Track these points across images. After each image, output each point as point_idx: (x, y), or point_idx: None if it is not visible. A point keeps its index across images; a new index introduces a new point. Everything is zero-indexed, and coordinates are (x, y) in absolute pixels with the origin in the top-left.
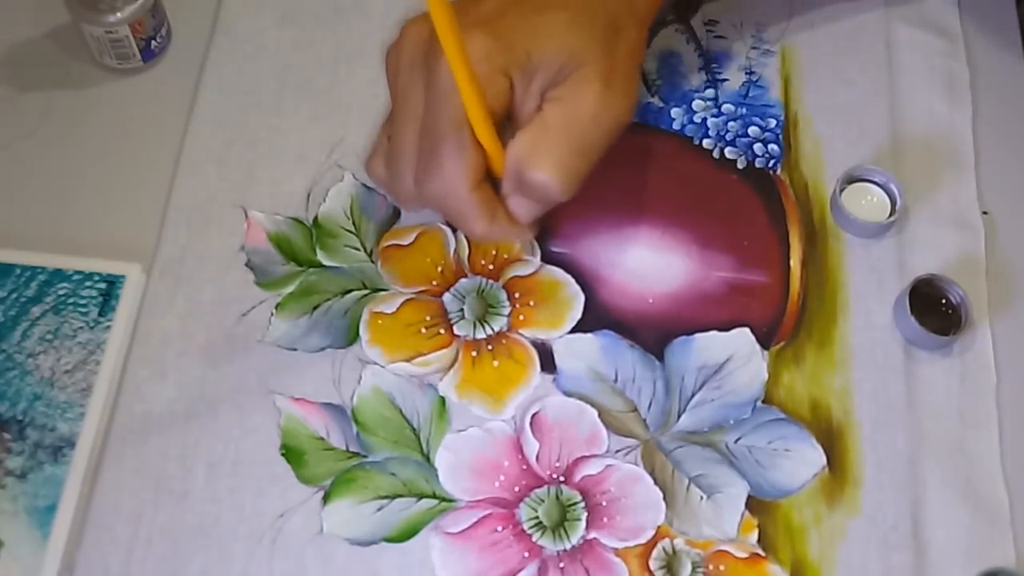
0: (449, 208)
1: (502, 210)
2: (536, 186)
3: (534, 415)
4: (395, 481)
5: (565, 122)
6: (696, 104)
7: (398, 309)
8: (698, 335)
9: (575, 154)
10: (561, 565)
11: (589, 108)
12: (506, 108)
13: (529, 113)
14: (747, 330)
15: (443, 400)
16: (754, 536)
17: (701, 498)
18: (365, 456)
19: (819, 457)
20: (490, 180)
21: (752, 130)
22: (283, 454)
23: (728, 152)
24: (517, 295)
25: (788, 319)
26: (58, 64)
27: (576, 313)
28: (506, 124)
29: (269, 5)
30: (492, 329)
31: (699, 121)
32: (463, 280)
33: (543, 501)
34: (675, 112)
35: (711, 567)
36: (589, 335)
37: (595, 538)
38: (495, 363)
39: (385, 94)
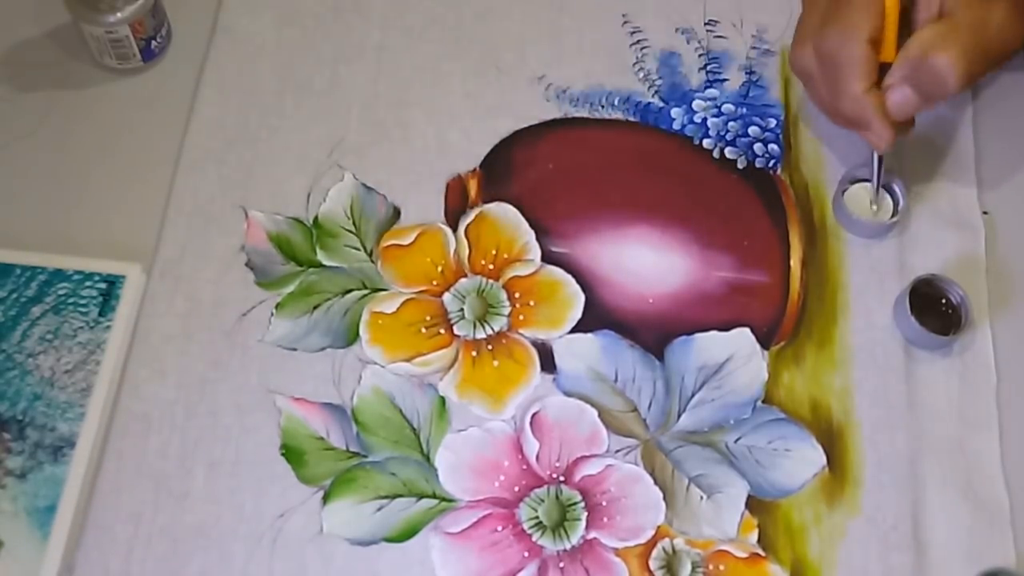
0: (839, 58)
1: (878, 93)
2: (936, 71)
3: (534, 415)
4: (395, 481)
5: (975, 23)
6: (696, 104)
7: (398, 309)
8: (698, 335)
9: (978, 53)
10: (561, 565)
11: (996, 19)
12: (906, 10)
13: (928, 19)
14: (747, 330)
15: (443, 400)
16: (754, 536)
17: (701, 498)
18: (365, 456)
19: (819, 457)
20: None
21: (752, 130)
22: (283, 454)
23: (728, 152)
24: (517, 295)
25: (788, 319)
26: (58, 64)
27: (576, 313)
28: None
29: (269, 5)
30: (492, 329)
31: (699, 121)
32: (463, 280)
33: (543, 501)
34: (675, 112)
35: (711, 567)
36: (589, 335)
37: (595, 538)
38: (495, 363)
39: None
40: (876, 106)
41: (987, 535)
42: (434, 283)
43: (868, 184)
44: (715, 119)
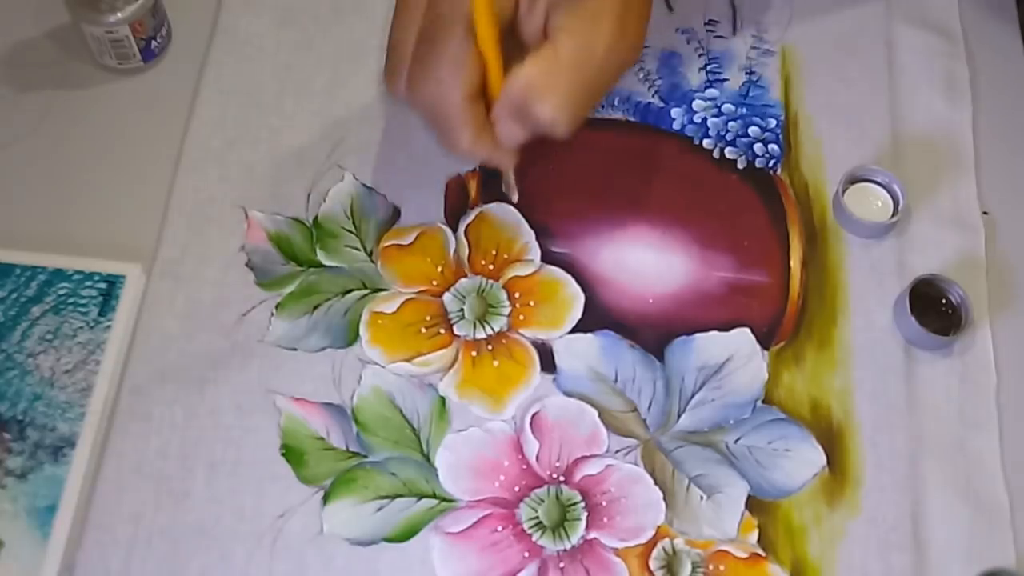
0: (438, 115)
1: (489, 131)
2: (541, 121)
3: (534, 415)
4: (395, 481)
5: (576, 59)
6: (696, 104)
7: (398, 309)
8: (698, 335)
9: (583, 94)
10: (561, 565)
11: (601, 47)
12: (509, 24)
13: (534, 30)
14: (747, 330)
15: (443, 400)
16: (754, 536)
17: (701, 498)
18: (365, 456)
19: (819, 457)
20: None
21: (752, 130)
22: (283, 454)
23: (728, 152)
24: (517, 295)
25: (788, 319)
26: (58, 64)
27: (576, 313)
28: (507, 36)
29: (269, 6)
30: (492, 329)
31: (699, 121)
32: (463, 280)
33: (543, 501)
34: (675, 112)
35: (711, 567)
36: (589, 335)
37: (595, 538)
38: (495, 363)
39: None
40: (489, 147)
41: (987, 535)
42: (434, 283)
43: (869, 184)
44: (715, 119)
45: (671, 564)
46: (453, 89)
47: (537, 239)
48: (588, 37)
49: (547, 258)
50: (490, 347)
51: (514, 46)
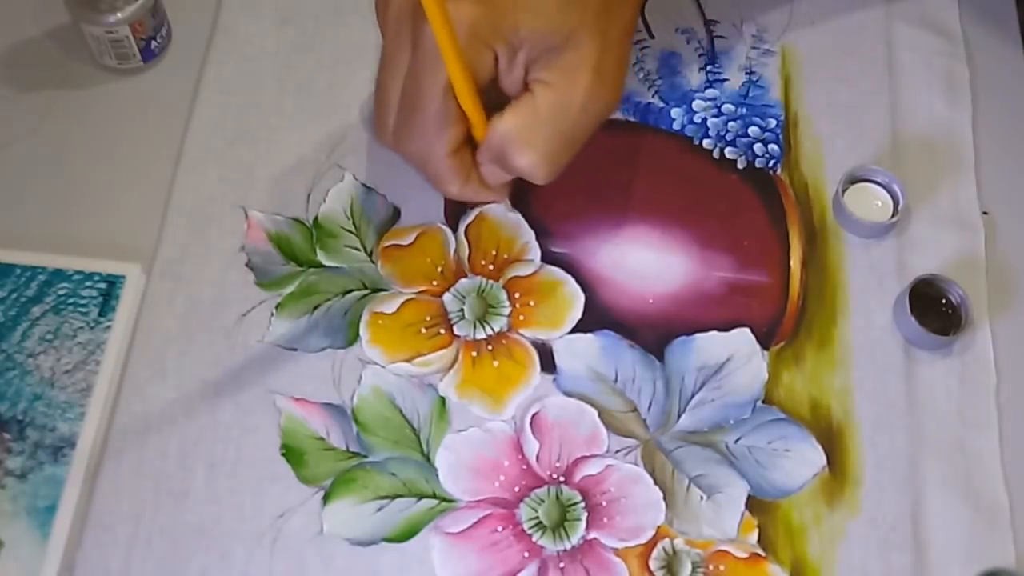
0: (426, 169)
1: (476, 174)
2: (520, 171)
3: (534, 415)
4: (395, 481)
5: (554, 111)
6: (696, 104)
7: (398, 309)
8: (698, 335)
9: (562, 144)
10: (561, 565)
11: (579, 99)
12: (489, 79)
13: (514, 84)
14: (747, 330)
15: (443, 400)
16: (754, 536)
17: (701, 498)
18: (365, 456)
19: (819, 457)
20: (468, 141)
21: (752, 130)
22: (283, 454)
23: (728, 152)
24: (517, 295)
25: (788, 319)
26: (58, 64)
27: (576, 313)
28: (489, 87)
29: (269, 6)
30: (492, 329)
31: (699, 121)
32: (463, 280)
33: (543, 501)
34: (675, 112)
35: (711, 567)
36: (589, 335)
37: (595, 538)
38: (495, 363)
39: None
40: (478, 190)
41: (987, 535)
42: (434, 283)
43: (869, 184)
44: (715, 119)
45: (671, 564)
46: (437, 146)
47: (537, 239)
48: (566, 89)
49: (547, 258)
50: (490, 347)
51: (499, 95)
